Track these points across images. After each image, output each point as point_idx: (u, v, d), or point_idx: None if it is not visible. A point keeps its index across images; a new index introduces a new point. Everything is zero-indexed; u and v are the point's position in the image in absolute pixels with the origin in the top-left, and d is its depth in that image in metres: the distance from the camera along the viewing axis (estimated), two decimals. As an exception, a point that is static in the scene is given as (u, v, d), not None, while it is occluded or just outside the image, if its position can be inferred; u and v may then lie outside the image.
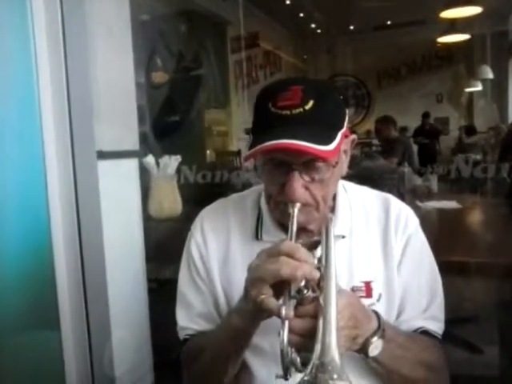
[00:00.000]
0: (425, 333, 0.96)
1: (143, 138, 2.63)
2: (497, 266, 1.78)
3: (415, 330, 0.96)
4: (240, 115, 6.59)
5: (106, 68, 1.80)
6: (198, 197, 2.46)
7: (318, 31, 8.83)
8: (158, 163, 2.17)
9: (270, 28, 7.88)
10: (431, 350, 0.95)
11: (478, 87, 8.14)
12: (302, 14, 7.87)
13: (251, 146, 0.83)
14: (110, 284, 1.75)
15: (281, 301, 0.71)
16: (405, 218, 1.00)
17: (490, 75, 7.44)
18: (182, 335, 1.03)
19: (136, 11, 1.99)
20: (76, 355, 1.72)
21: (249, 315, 0.79)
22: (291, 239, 0.79)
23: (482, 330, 2.44)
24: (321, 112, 0.84)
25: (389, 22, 8.60)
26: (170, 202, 2.14)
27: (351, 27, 8.82)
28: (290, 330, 0.69)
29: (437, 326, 0.98)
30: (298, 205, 0.85)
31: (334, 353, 0.64)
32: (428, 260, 1.02)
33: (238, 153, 5.61)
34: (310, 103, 0.83)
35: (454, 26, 5.57)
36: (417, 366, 0.90)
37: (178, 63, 4.47)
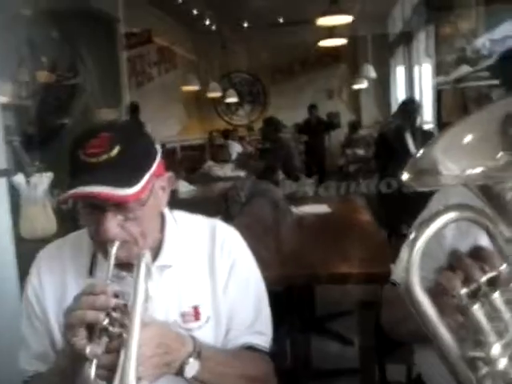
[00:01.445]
0: (251, 347, 1.07)
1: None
2: (346, 275, 1.96)
3: (242, 346, 1.07)
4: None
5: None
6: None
7: (213, 28, 8.92)
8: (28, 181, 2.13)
9: (164, 24, 7.83)
10: (256, 363, 1.07)
11: (364, 84, 8.70)
12: (195, 11, 7.91)
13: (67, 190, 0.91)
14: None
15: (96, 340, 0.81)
16: (230, 243, 1.11)
17: (373, 74, 7.99)
18: (23, 377, 1.07)
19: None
20: None
21: (71, 356, 0.86)
22: (109, 276, 0.88)
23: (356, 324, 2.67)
24: (127, 157, 0.92)
25: (281, 20, 8.91)
26: (42, 222, 2.11)
27: (245, 24, 9.00)
28: (100, 366, 0.79)
29: (262, 340, 1.09)
30: (116, 243, 0.93)
31: (132, 382, 0.76)
32: (254, 280, 1.13)
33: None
34: (116, 149, 0.91)
35: (332, 30, 5.93)
36: (240, 380, 1.02)
37: (51, 72, 4.32)
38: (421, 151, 0.69)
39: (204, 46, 9.09)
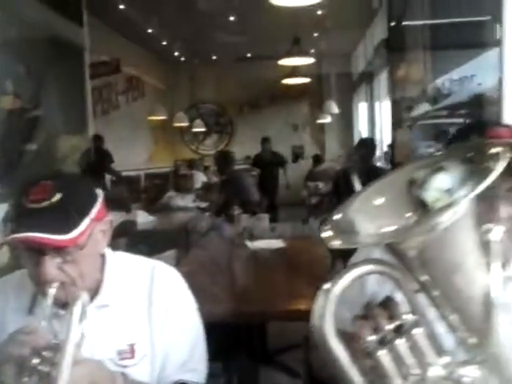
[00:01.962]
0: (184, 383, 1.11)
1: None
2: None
3: (175, 383, 1.11)
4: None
5: None
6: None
7: (182, 59, 9.07)
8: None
9: (133, 54, 7.92)
10: None
11: (327, 119, 8.95)
12: (165, 42, 8.05)
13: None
14: None
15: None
16: (169, 284, 1.15)
17: (336, 109, 8.24)
18: None
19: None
20: None
21: None
22: (47, 316, 0.91)
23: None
24: (66, 204, 0.96)
25: (249, 55, 9.15)
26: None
27: (214, 57, 9.19)
28: None
29: (195, 377, 1.13)
30: (54, 284, 0.96)
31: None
32: (191, 320, 1.17)
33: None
34: (57, 196, 0.96)
35: (296, 69, 6.14)
36: None
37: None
38: (339, 212, 0.77)
39: (172, 77, 9.21)
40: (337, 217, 0.76)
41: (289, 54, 4.86)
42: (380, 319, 0.73)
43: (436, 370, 0.72)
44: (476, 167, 0.69)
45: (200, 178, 6.97)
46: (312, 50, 8.67)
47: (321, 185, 6.94)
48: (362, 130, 8.83)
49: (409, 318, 0.75)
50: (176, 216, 4.03)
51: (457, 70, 5.45)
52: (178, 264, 2.25)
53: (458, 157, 0.72)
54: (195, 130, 9.54)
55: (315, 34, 7.57)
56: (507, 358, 0.75)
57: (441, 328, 0.75)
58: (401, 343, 0.72)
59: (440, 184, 0.73)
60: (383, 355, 0.72)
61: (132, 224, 3.36)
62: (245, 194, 4.09)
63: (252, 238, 2.87)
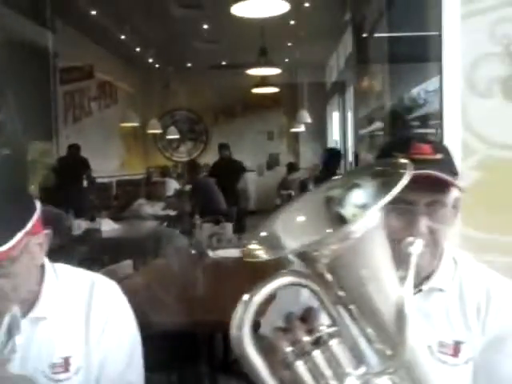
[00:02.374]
0: None
1: None
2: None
3: None
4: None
5: None
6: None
7: (156, 66, 9.05)
8: None
9: (106, 60, 7.86)
10: None
11: (301, 128, 9.03)
12: (138, 49, 8.02)
13: None
14: None
15: None
16: (107, 297, 1.15)
17: (308, 119, 8.32)
18: None
19: None
20: None
21: None
22: None
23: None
24: (1, 217, 0.98)
25: (224, 63, 9.17)
26: None
27: (188, 64, 9.19)
28: None
29: None
30: None
31: None
32: (128, 333, 1.17)
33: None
34: None
35: (265, 79, 6.20)
36: None
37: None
38: (264, 227, 0.79)
39: (146, 84, 9.18)
40: (262, 232, 0.79)
41: (256, 65, 4.91)
42: (298, 331, 0.74)
43: (351, 381, 0.73)
44: (385, 181, 0.71)
45: (173, 186, 6.94)
46: (286, 60, 8.80)
47: (294, 193, 6.98)
48: (335, 139, 8.93)
49: (327, 329, 0.77)
50: (143, 224, 4.00)
51: (431, 81, 5.55)
52: (135, 273, 2.25)
53: (370, 173, 0.75)
54: (169, 137, 9.51)
55: (289, 44, 7.66)
56: (419, 369, 0.77)
57: (359, 339, 0.76)
58: (317, 354, 0.73)
59: (355, 200, 0.76)
60: (300, 366, 0.73)
61: (96, 232, 3.33)
62: (211, 202, 4.08)
63: (214, 247, 2.86)
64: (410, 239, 0.84)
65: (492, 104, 1.36)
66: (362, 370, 0.75)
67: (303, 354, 0.74)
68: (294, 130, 9.22)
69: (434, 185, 0.86)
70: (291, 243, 0.76)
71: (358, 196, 0.75)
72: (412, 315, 0.76)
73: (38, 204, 1.07)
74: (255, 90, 6.76)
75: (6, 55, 4.81)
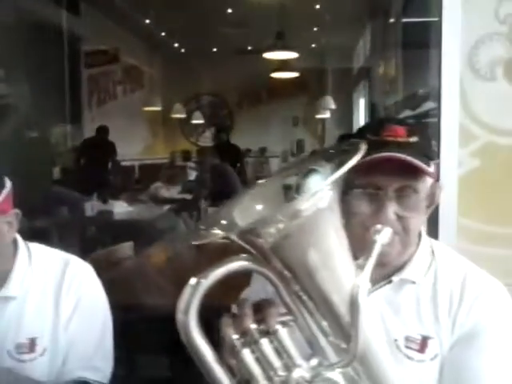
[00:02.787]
0: (85, 383, 1.09)
1: None
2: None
3: (76, 380, 1.09)
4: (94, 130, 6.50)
5: None
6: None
7: (182, 51, 9.03)
8: None
9: (132, 44, 7.88)
10: None
11: (327, 114, 8.89)
12: (163, 33, 8.01)
13: None
14: None
15: None
16: (79, 279, 1.14)
17: (332, 105, 8.18)
18: None
19: None
20: None
21: None
22: None
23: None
24: None
25: (249, 48, 9.08)
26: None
27: (214, 49, 9.14)
28: None
29: (98, 376, 1.12)
30: None
31: None
32: (99, 317, 1.15)
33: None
34: None
35: (285, 64, 6.09)
36: None
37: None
38: (222, 209, 0.77)
39: (172, 68, 9.17)
40: (219, 213, 0.76)
41: (272, 48, 4.82)
42: (246, 318, 0.71)
43: (299, 372, 0.70)
44: (340, 163, 0.67)
45: (194, 171, 6.96)
46: (313, 45, 8.64)
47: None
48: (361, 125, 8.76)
49: (279, 318, 0.73)
50: (157, 208, 4.02)
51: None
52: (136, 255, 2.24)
53: (324, 157, 0.71)
54: (194, 121, 9.52)
55: (314, 29, 7.52)
56: (377, 363, 0.73)
57: (314, 331, 0.73)
58: (265, 343, 0.70)
59: (313, 185, 0.72)
60: (246, 355, 0.70)
61: (108, 214, 3.36)
62: (227, 187, 4.05)
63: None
64: (378, 227, 0.80)
65: (494, 87, 1.28)
66: (315, 361, 0.72)
67: (251, 342, 0.71)
68: (319, 116, 9.09)
69: (403, 169, 0.80)
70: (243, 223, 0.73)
71: (315, 181, 0.72)
72: (367, 306, 0.72)
73: (9, 183, 1.06)
74: (274, 75, 6.65)
75: (28, 38, 4.87)
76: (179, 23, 7.18)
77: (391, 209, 0.82)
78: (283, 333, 0.71)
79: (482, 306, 0.88)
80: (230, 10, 6.82)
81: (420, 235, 0.94)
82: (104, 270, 2.17)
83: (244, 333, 0.71)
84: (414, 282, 0.91)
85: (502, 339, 0.86)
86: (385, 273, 0.91)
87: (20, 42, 4.67)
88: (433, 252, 0.95)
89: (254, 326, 0.71)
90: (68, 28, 5.68)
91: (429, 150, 0.87)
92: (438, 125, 1.27)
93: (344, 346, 0.70)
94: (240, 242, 0.68)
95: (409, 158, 0.79)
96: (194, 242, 0.69)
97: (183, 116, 9.02)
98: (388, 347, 0.87)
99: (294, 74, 6.72)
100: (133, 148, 7.93)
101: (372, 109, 7.70)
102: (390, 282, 0.91)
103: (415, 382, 0.83)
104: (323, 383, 0.70)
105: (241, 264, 0.75)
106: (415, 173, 0.82)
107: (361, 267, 0.70)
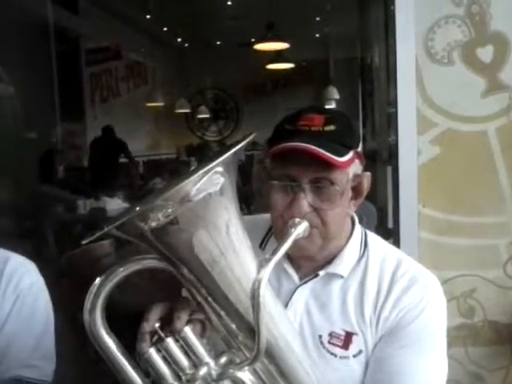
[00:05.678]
0: (21, 381, 1.07)
1: None
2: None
3: (12, 378, 1.06)
4: (97, 128, 6.53)
5: None
6: None
7: (186, 45, 9.00)
8: None
9: (134, 40, 7.88)
10: None
11: (332, 105, 8.79)
12: (165, 28, 7.99)
13: None
14: None
15: None
16: (18, 277, 1.11)
17: (336, 95, 8.09)
18: None
19: None
20: None
21: None
22: None
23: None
24: None
25: (253, 40, 9.01)
26: None
27: (218, 42, 9.10)
28: None
29: (35, 374, 1.09)
30: None
31: None
32: (40, 315, 1.13)
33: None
34: None
35: (280, 54, 6.01)
36: None
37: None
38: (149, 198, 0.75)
39: (176, 63, 9.16)
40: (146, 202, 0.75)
41: (261, 40, 4.77)
42: (149, 317, 0.70)
43: (207, 370, 0.69)
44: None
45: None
46: (317, 35, 8.53)
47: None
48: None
49: (195, 317, 0.72)
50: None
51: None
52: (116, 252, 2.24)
53: (219, 152, 0.71)
54: (200, 116, 9.51)
55: (317, 19, 7.43)
56: (288, 359, 0.71)
57: (220, 328, 0.72)
58: (169, 343, 0.69)
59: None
60: (152, 354, 0.69)
61: (100, 211, 3.36)
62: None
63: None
64: (296, 220, 0.78)
65: (452, 72, 1.24)
66: (223, 359, 0.71)
67: (156, 342, 0.70)
68: (325, 106, 9.01)
69: (316, 160, 0.77)
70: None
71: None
72: (271, 301, 0.70)
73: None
74: (270, 66, 6.59)
75: (28, 36, 4.90)
76: (179, 17, 7.15)
77: (305, 201, 0.79)
78: (188, 332, 0.70)
79: (408, 302, 0.85)
80: (229, 3, 6.77)
81: (353, 228, 0.92)
82: (82, 269, 2.15)
83: (151, 334, 0.71)
84: (342, 277, 0.89)
85: (427, 335, 0.84)
86: (314, 266, 0.89)
87: (18, 41, 4.70)
88: (366, 245, 0.92)
89: (157, 326, 0.71)
90: (67, 25, 5.69)
91: (348, 138, 0.83)
92: (395, 112, 1.23)
93: (246, 340, 0.69)
94: (123, 236, 0.66)
95: (311, 147, 0.76)
96: (83, 242, 0.68)
97: (188, 111, 9.01)
98: (312, 343, 0.85)
99: (290, 65, 6.64)
100: (139, 144, 7.95)
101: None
102: (317, 275, 0.89)
103: (338, 378, 0.81)
104: (230, 381, 0.69)
105: (145, 263, 0.74)
106: (329, 164, 0.79)
107: (267, 261, 0.68)
